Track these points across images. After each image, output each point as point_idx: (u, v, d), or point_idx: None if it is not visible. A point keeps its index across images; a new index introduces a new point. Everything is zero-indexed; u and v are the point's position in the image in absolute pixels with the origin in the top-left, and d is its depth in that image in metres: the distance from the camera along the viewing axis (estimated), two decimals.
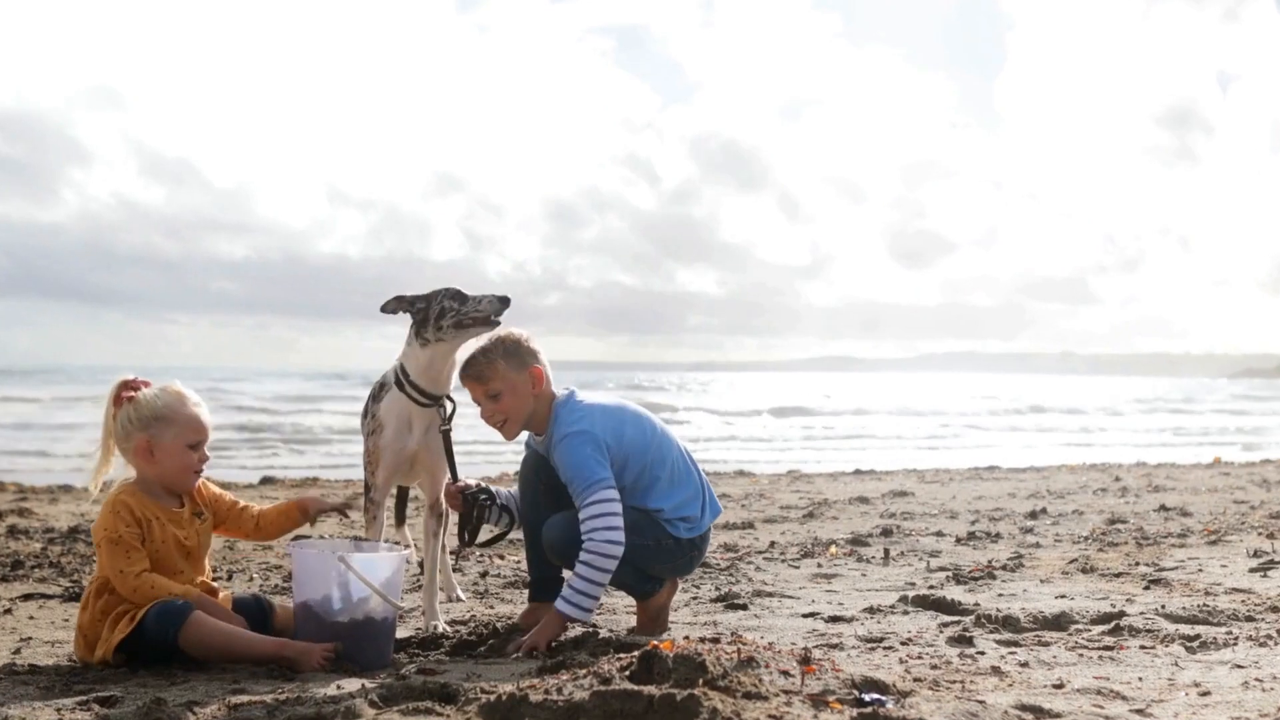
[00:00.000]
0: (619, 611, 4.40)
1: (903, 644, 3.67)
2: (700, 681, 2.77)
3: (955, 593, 4.65)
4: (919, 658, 3.44)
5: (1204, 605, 4.23)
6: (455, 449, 4.15)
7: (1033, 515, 7.65)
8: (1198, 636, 3.68)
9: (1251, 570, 5.17)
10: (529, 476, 4.05)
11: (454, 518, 4.18)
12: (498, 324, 3.95)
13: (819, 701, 2.78)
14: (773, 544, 6.34)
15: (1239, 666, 3.31)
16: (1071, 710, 2.82)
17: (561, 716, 2.64)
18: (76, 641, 3.57)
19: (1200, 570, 5.23)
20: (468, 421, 4.54)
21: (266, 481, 10.80)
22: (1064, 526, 7.09)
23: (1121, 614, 4.06)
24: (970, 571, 5.24)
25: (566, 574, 3.80)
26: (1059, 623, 3.97)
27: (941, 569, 5.39)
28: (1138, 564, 5.43)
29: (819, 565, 5.60)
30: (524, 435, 4.01)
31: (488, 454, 15.21)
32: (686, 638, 3.59)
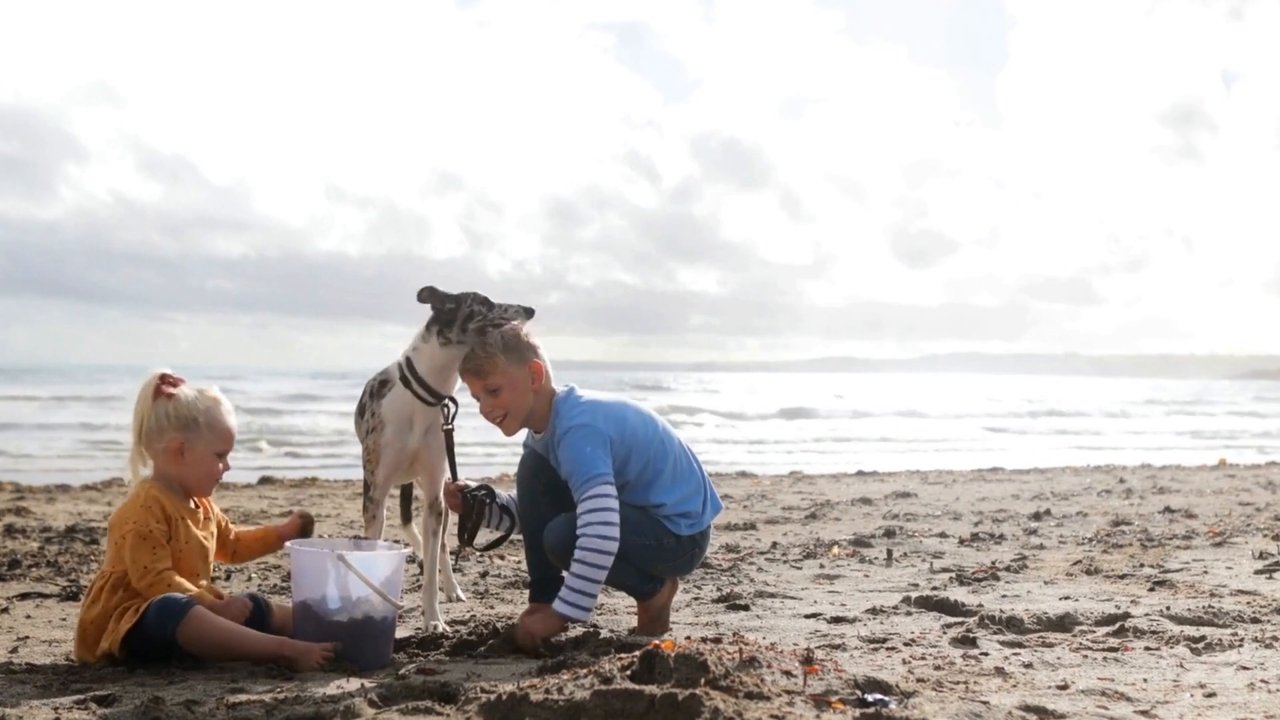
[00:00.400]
0: (619, 612, 4.38)
1: (906, 645, 3.65)
2: (702, 681, 2.76)
3: (959, 594, 4.63)
4: (922, 658, 3.42)
5: (1209, 607, 4.21)
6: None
7: (1036, 516, 7.63)
8: (1203, 638, 3.66)
9: (1257, 572, 5.15)
10: (527, 478, 4.03)
11: (454, 517, 4.17)
12: None
13: (821, 702, 2.76)
14: (775, 545, 6.32)
15: (1244, 668, 3.29)
16: (1076, 711, 2.80)
17: (562, 716, 2.62)
18: (76, 640, 3.55)
19: (1205, 572, 5.21)
20: (468, 423, 4.52)
21: (265, 481, 10.78)
22: (1068, 528, 7.06)
23: (1126, 615, 4.04)
24: (974, 572, 5.22)
25: (565, 574, 3.78)
26: (1063, 624, 3.95)
27: (945, 570, 5.37)
28: (1142, 565, 5.41)
29: (821, 566, 5.58)
30: (521, 434, 3.99)
31: (485, 456, 15.22)
32: (688, 638, 3.57)
